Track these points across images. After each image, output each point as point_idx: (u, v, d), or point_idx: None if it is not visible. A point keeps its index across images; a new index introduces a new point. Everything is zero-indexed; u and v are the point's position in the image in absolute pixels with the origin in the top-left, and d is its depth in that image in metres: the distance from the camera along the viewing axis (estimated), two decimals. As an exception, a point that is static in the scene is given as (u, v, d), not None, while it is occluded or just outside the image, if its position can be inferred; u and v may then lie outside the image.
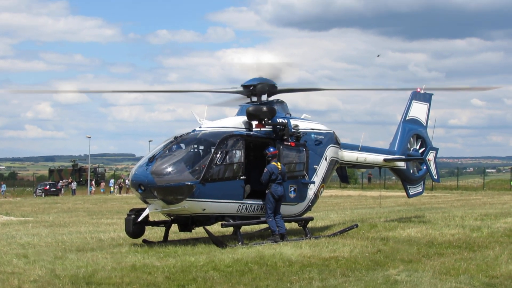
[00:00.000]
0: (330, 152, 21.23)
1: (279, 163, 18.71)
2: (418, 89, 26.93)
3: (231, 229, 19.56)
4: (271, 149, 18.85)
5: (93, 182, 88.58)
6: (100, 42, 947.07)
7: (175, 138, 18.56)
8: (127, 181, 70.71)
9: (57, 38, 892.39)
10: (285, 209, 19.26)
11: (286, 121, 19.78)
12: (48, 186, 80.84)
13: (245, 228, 20.73)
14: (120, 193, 77.64)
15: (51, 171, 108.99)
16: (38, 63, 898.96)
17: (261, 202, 18.81)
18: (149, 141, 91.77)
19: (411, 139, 26.24)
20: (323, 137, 21.03)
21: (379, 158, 24.41)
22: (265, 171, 18.54)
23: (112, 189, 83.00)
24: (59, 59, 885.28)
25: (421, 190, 27.09)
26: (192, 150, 18.40)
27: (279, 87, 20.17)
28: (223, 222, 18.22)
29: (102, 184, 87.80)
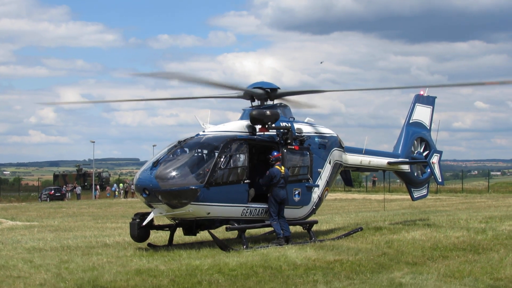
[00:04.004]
0: (334, 155, 21.26)
1: (282, 167, 18.74)
2: (421, 92, 26.96)
3: (235, 232, 19.58)
4: (274, 153, 18.90)
5: (98, 186, 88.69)
6: (101, 47, 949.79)
7: (179, 142, 18.60)
8: (132, 185, 70.80)
9: (59, 44, 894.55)
10: (290, 212, 19.29)
11: (289, 124, 19.81)
12: (53, 191, 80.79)
13: (249, 232, 20.77)
14: (126, 197, 77.66)
15: (55, 176, 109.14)
16: (40, 69, 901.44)
17: (266, 206, 18.81)
18: (153, 146, 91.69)
19: (415, 142, 26.24)
20: (327, 140, 21.05)
21: (383, 161, 24.41)
22: (266, 174, 18.58)
23: (116, 193, 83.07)
24: (60, 64, 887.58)
25: (426, 193, 27.07)
26: (196, 154, 18.43)
27: (281, 91, 20.19)
28: (228, 225, 18.24)
29: (108, 188, 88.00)
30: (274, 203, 18.48)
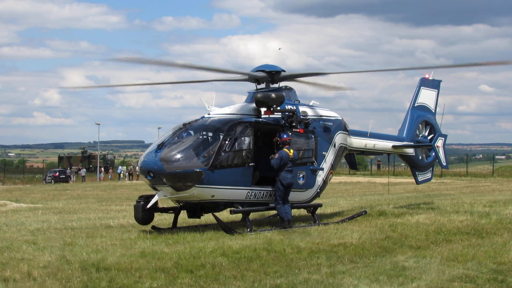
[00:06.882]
0: (338, 138, 21.22)
1: (291, 150, 18.70)
2: (427, 76, 26.86)
3: (239, 215, 19.61)
4: (284, 136, 18.84)
5: (103, 169, 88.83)
6: (105, 29, 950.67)
7: (184, 125, 18.59)
8: (137, 168, 70.84)
9: (63, 25, 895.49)
10: (294, 195, 19.27)
11: (294, 107, 19.78)
12: (57, 173, 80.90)
13: (253, 215, 20.79)
14: (131, 179, 77.78)
15: (60, 158, 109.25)
16: (45, 50, 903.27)
17: (270, 189, 18.82)
18: (158, 128, 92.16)
19: (420, 125, 26.19)
20: (331, 123, 21.02)
21: (387, 144, 24.38)
22: (276, 157, 18.49)
23: (121, 175, 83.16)
24: (65, 46, 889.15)
25: (430, 176, 27.05)
26: (201, 137, 18.40)
27: (285, 74, 20.10)
28: (232, 208, 18.26)
29: (110, 171, 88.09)
30: (281, 187, 18.44)
